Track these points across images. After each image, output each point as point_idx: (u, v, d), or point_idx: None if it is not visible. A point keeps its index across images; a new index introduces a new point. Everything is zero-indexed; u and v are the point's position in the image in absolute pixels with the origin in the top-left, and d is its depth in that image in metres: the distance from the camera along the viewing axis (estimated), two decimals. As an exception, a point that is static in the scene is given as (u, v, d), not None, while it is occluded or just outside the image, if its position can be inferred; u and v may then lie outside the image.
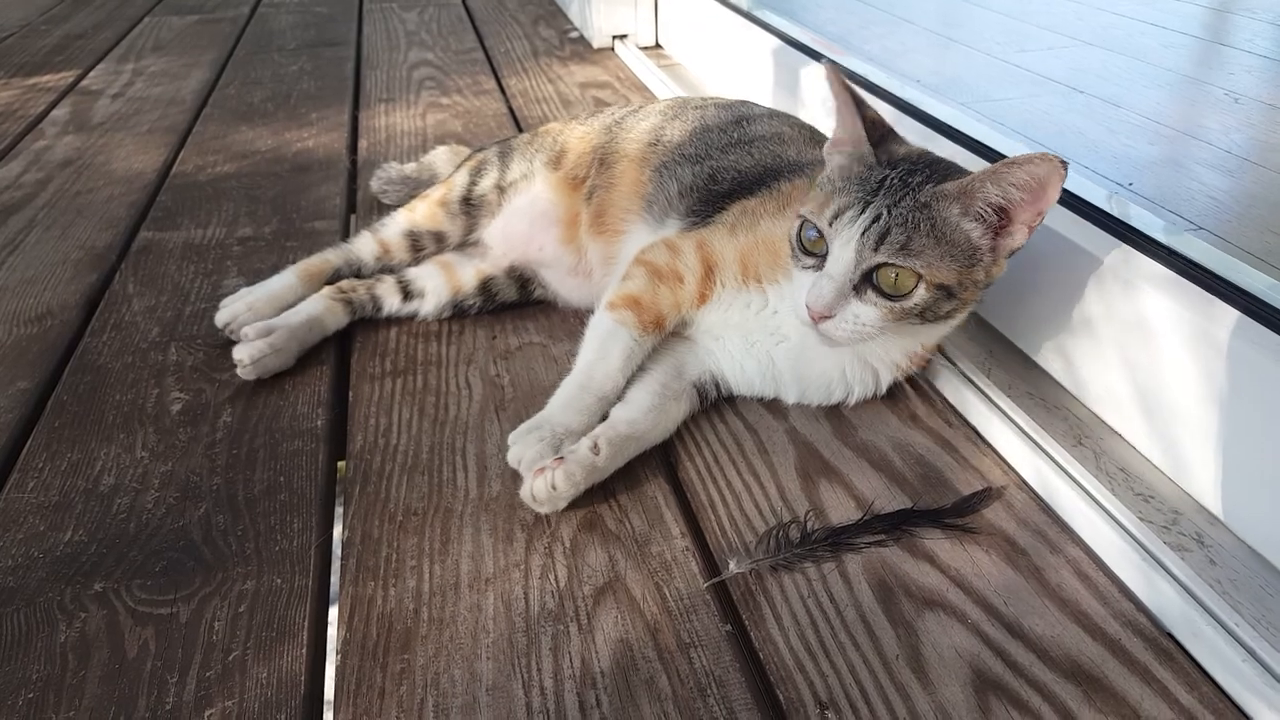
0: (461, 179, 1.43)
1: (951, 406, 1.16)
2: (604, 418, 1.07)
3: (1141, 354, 1.00)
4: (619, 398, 1.10)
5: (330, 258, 1.39)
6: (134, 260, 1.54)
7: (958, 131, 1.38)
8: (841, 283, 0.96)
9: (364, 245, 1.41)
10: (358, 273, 1.40)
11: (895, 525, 0.96)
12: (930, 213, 0.94)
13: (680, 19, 2.51)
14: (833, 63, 1.06)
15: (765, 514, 0.99)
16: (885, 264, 0.94)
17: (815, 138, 1.32)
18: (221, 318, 1.29)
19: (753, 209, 1.16)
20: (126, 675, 0.83)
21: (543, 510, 0.98)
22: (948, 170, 0.99)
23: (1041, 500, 1.00)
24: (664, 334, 1.14)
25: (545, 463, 0.98)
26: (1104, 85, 2.18)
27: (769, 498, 1.02)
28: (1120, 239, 1.06)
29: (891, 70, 1.70)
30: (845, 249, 0.95)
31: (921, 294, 0.95)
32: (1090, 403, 1.10)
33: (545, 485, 0.96)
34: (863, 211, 0.95)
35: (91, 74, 2.61)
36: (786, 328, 1.11)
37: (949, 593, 0.89)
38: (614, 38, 2.69)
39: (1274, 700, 0.75)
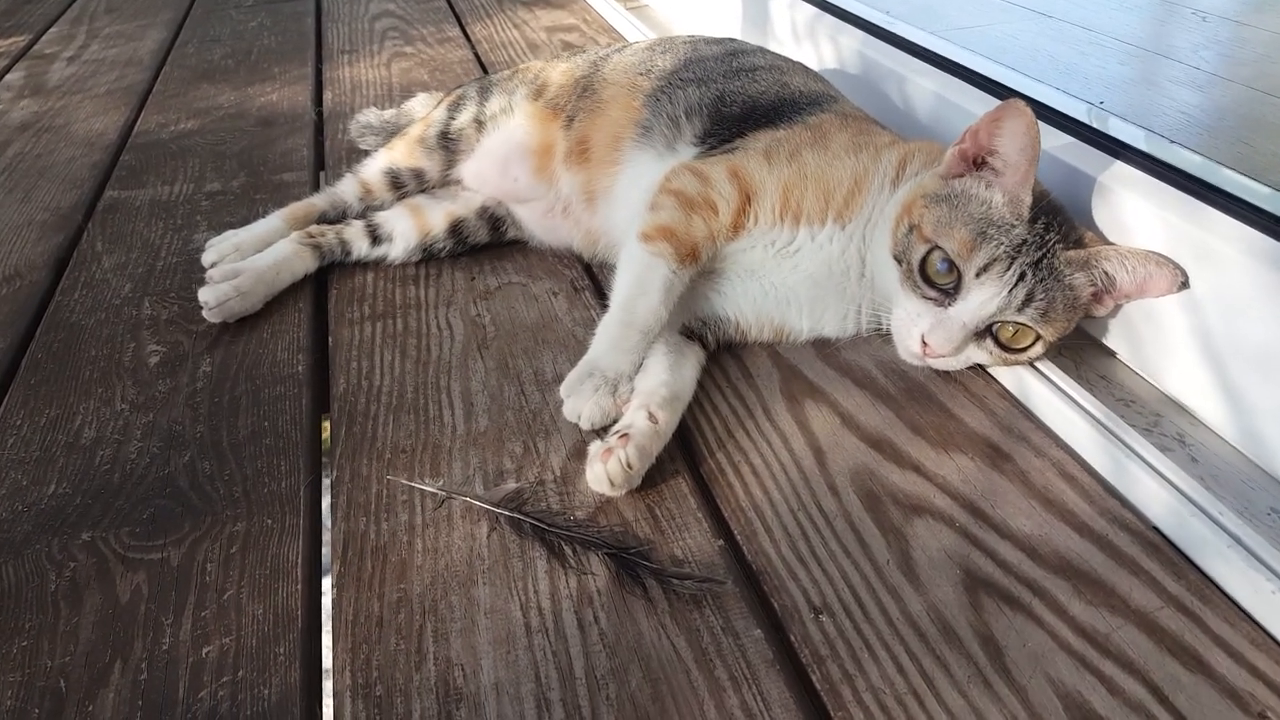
0: (440, 114, 1.41)
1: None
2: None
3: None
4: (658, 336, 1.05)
5: (315, 201, 1.39)
6: (101, 219, 1.51)
7: (937, 55, 1.38)
8: (971, 330, 0.96)
9: (347, 187, 1.41)
10: (343, 214, 1.39)
11: (619, 562, 0.85)
12: (1063, 279, 0.95)
13: (644, -41, 2.47)
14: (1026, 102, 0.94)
15: (753, 434, 1.00)
16: (1019, 323, 0.96)
17: (807, 70, 1.32)
18: (208, 257, 1.29)
19: (787, 140, 1.11)
20: (121, 619, 0.82)
21: (617, 493, 0.91)
22: (1067, 220, 0.97)
23: (1023, 406, 1.01)
24: (699, 266, 1.08)
25: (611, 442, 0.92)
26: (1072, 9, 2.17)
27: (755, 419, 1.02)
28: (1097, 147, 1.06)
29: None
30: (988, 302, 0.95)
31: (1036, 350, 0.98)
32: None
33: (619, 465, 0.89)
34: (1009, 267, 0.94)
35: (44, 38, 2.54)
36: (805, 267, 1.08)
37: (935, 498, 0.90)
38: (578, -19, 2.64)
39: (1260, 583, 0.77)
